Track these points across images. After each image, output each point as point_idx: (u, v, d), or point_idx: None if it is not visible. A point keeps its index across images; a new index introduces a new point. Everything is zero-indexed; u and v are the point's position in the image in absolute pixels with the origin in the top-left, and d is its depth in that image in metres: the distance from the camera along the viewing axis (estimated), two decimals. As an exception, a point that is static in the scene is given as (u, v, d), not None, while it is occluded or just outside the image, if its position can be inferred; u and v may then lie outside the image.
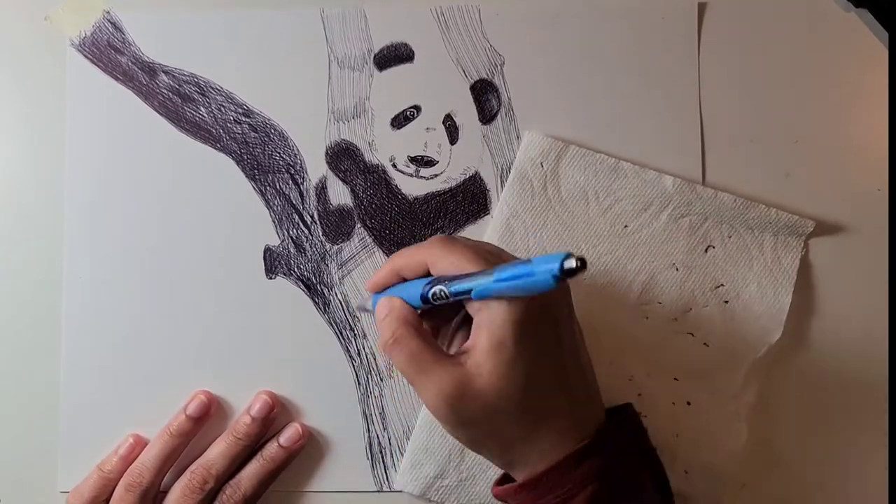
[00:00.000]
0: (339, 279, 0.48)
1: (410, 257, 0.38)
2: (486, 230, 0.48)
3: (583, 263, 0.30)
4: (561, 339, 0.37)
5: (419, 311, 0.38)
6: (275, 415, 0.47)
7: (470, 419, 0.36)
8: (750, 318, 0.46)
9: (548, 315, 0.36)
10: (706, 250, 0.47)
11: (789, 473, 0.46)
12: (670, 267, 0.47)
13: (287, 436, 0.46)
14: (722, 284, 0.47)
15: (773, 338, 0.46)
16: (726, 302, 0.46)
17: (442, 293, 0.36)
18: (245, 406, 0.47)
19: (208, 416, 0.46)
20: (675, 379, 0.46)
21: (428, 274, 0.38)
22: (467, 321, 0.38)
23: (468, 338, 0.36)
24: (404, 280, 0.39)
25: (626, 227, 0.47)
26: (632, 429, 0.40)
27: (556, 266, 0.31)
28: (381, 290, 0.40)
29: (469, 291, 0.35)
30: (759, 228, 0.47)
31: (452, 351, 0.40)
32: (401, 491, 0.47)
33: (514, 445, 0.37)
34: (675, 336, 0.46)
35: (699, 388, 0.46)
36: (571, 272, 0.30)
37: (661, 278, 0.47)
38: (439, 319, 0.40)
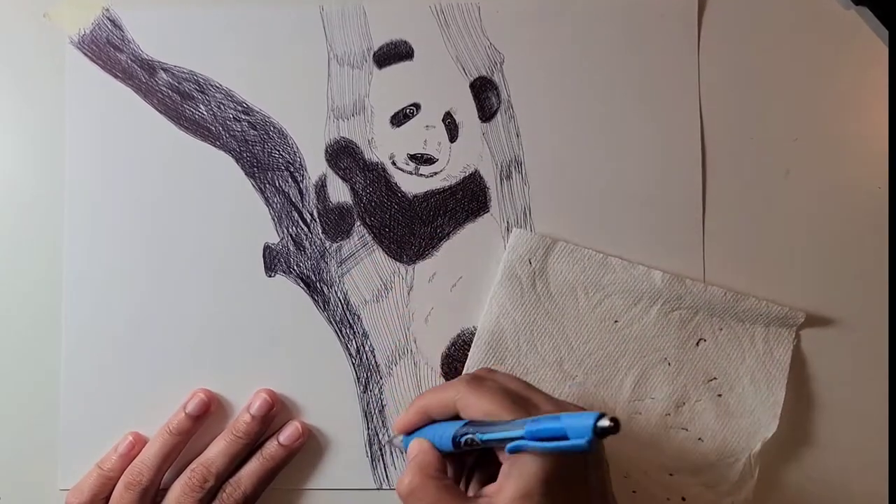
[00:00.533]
0: (339, 277, 0.48)
1: (438, 398, 0.39)
2: (485, 230, 0.48)
3: (616, 424, 0.31)
4: (589, 495, 0.37)
5: (452, 451, 0.39)
6: (274, 413, 0.47)
7: None
8: (744, 411, 0.46)
9: (579, 471, 0.36)
10: (697, 343, 0.47)
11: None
12: (662, 361, 0.46)
13: (287, 434, 0.46)
14: (714, 378, 0.46)
15: (768, 432, 0.46)
16: (719, 395, 0.46)
17: (473, 441, 0.36)
18: (244, 404, 0.47)
19: (208, 414, 0.46)
20: (670, 475, 0.46)
21: (457, 415, 0.38)
22: (486, 459, 0.39)
23: (487, 475, 0.37)
24: (433, 420, 0.40)
25: (616, 321, 0.47)
26: None
27: (589, 427, 0.31)
28: (409, 431, 0.41)
29: (501, 441, 0.35)
30: (749, 321, 0.47)
31: (471, 491, 0.40)
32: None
33: None
34: (669, 431, 0.46)
35: (694, 484, 0.46)
36: (605, 433, 0.31)
37: (652, 373, 0.46)
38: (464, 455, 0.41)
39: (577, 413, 0.33)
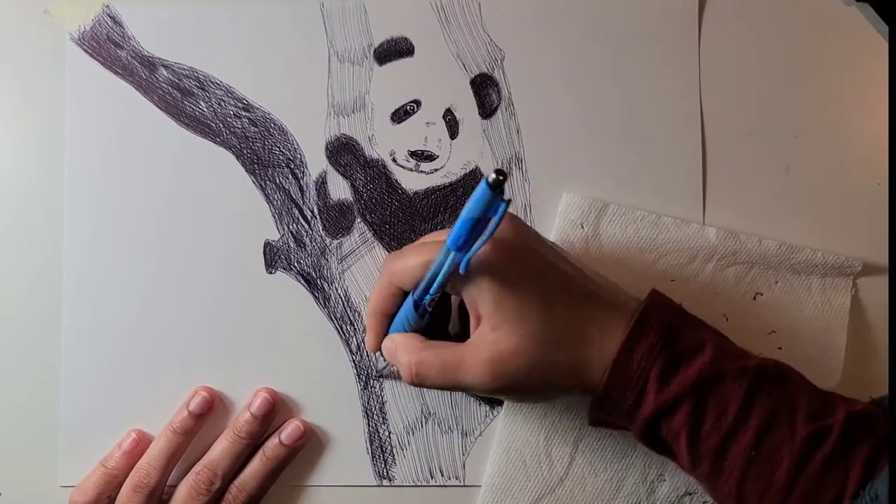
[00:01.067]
0: (339, 274, 0.48)
1: (380, 294, 0.40)
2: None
3: (502, 174, 0.32)
4: (548, 261, 0.38)
5: (421, 326, 0.40)
6: (275, 411, 0.47)
7: (521, 373, 0.37)
8: (806, 362, 0.44)
9: (521, 252, 0.38)
10: (755, 297, 0.46)
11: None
12: (720, 317, 0.46)
13: (288, 433, 0.46)
14: (774, 331, 0.46)
15: (832, 381, 0.45)
16: (780, 348, 0.46)
17: (427, 295, 0.38)
18: (245, 402, 0.47)
19: (211, 411, 0.46)
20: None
21: (405, 295, 0.40)
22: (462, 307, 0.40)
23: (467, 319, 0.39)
24: (392, 317, 0.41)
25: (673, 280, 0.46)
26: (663, 299, 0.40)
27: (484, 188, 0.33)
28: (381, 341, 0.42)
29: (444, 275, 0.36)
30: (805, 272, 0.46)
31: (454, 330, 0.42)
32: (401, 485, 0.47)
33: (570, 368, 0.37)
34: None
35: None
36: (498, 184, 0.32)
37: None
38: (444, 321, 0.42)
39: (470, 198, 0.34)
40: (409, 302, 0.39)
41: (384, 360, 0.43)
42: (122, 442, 0.46)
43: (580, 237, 0.47)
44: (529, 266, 0.37)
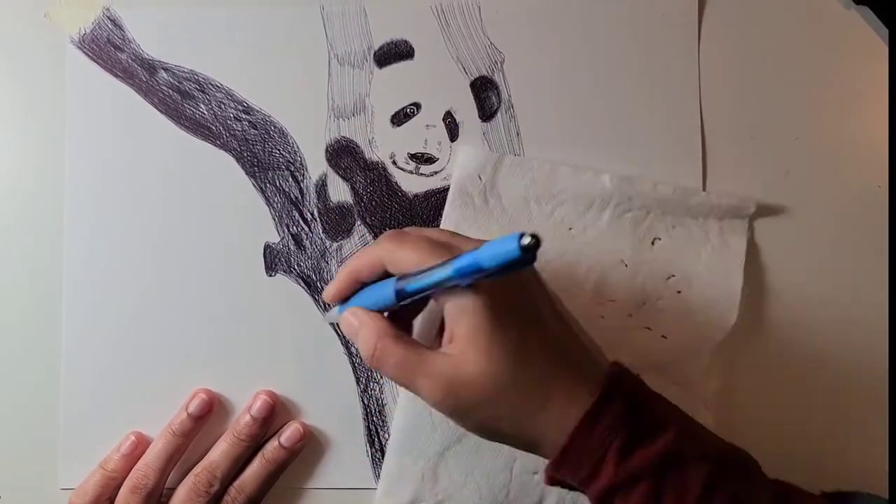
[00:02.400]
0: (340, 276, 0.48)
1: (365, 259, 0.38)
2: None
3: (537, 240, 0.30)
4: (538, 310, 0.37)
5: (387, 313, 0.38)
6: (275, 413, 0.47)
7: (472, 405, 0.36)
8: (704, 305, 0.46)
9: (517, 291, 0.36)
10: (653, 243, 0.47)
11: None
12: (619, 264, 0.47)
13: (287, 435, 0.46)
14: (673, 275, 0.47)
15: (729, 322, 0.46)
16: (679, 292, 0.46)
17: (411, 289, 0.36)
18: (245, 405, 0.47)
19: (210, 414, 0.46)
20: (637, 374, 0.46)
21: (386, 274, 0.38)
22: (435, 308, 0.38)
23: (441, 325, 0.37)
24: (363, 285, 0.39)
25: (570, 229, 0.47)
26: (630, 374, 0.39)
27: (514, 244, 0.31)
28: (343, 298, 0.40)
29: (435, 285, 0.35)
30: (702, 215, 0.47)
31: (428, 340, 0.40)
32: (401, 488, 0.47)
33: (524, 423, 0.36)
34: (633, 331, 0.46)
35: (662, 381, 0.46)
36: (527, 250, 0.30)
37: (611, 276, 0.46)
38: (408, 313, 0.41)
39: (497, 239, 0.32)
40: (389, 284, 0.38)
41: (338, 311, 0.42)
42: (120, 444, 0.46)
43: (478, 189, 0.47)
44: (521, 311, 0.36)
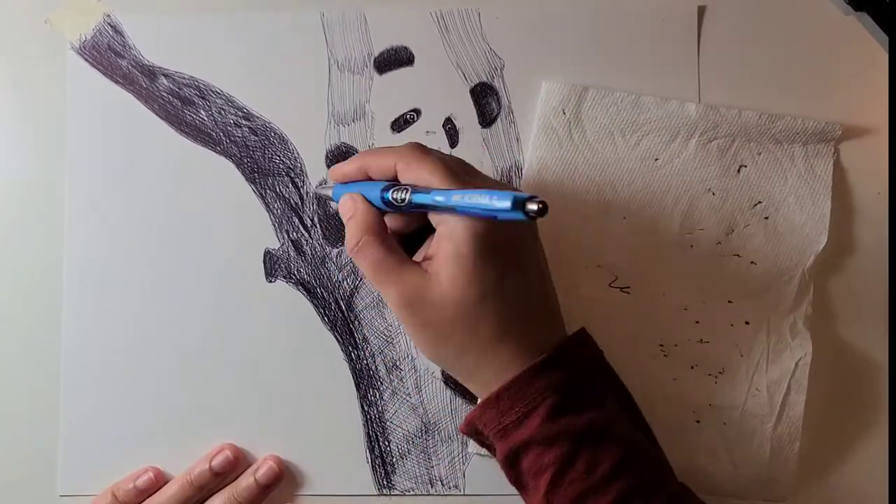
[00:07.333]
0: (340, 282, 0.48)
1: (381, 158, 0.39)
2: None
3: (544, 206, 0.32)
4: (524, 262, 0.38)
5: (384, 213, 0.39)
6: (281, 480, 0.46)
7: (428, 322, 0.37)
8: (793, 230, 0.47)
9: (510, 235, 0.37)
10: (739, 170, 0.47)
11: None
12: (706, 192, 0.47)
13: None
14: (760, 201, 0.47)
15: (818, 246, 0.46)
16: (766, 218, 0.47)
17: (402, 200, 0.37)
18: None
19: (232, 472, 0.46)
20: (730, 301, 0.47)
21: (395, 177, 0.39)
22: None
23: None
24: (370, 179, 0.40)
25: (656, 160, 0.47)
26: (590, 346, 0.40)
27: (510, 199, 0.32)
28: (345, 181, 0.41)
29: (430, 206, 0.36)
30: (787, 140, 0.47)
31: (420, 256, 0.41)
32: (401, 494, 0.47)
33: (470, 355, 0.37)
34: (722, 259, 0.47)
35: (755, 307, 0.46)
36: (534, 212, 0.32)
37: (699, 205, 0.47)
38: (406, 220, 0.41)
39: (503, 191, 0.33)
40: (380, 187, 0.38)
41: (332, 193, 0.43)
42: (137, 476, 0.46)
43: (562, 123, 0.47)
44: (506, 254, 0.37)
